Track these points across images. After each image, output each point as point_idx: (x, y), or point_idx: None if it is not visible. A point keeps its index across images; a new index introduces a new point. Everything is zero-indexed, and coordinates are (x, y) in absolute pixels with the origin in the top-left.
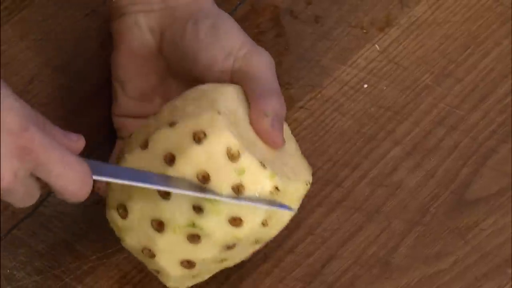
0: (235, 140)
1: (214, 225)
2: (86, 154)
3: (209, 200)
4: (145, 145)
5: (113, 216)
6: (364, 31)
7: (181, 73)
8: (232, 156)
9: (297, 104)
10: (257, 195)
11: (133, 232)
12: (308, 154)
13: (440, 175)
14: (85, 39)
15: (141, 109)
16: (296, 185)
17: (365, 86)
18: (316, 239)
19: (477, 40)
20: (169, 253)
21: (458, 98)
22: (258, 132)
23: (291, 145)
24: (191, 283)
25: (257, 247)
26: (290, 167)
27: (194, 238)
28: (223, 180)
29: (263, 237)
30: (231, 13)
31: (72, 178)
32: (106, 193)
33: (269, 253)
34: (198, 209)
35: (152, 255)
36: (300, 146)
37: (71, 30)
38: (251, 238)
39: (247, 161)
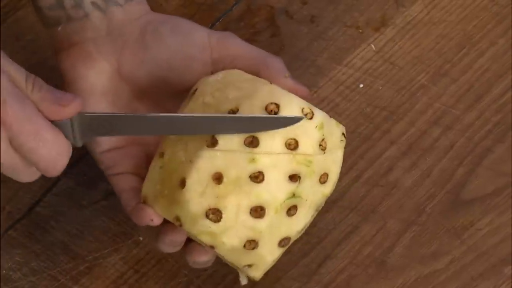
0: (302, 100)
1: (309, 188)
2: (82, 153)
3: (305, 164)
4: (214, 144)
5: (204, 225)
6: (360, 31)
7: (150, 91)
8: (307, 115)
9: None
10: (333, 146)
11: (232, 230)
12: None
13: (435, 175)
14: None
15: (122, 137)
16: (341, 127)
17: (361, 86)
18: (311, 239)
19: (472, 39)
20: (270, 237)
21: (454, 97)
22: (291, 90)
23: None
24: (265, 270)
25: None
26: None
27: (291, 210)
28: (309, 139)
29: (328, 192)
30: (227, 13)
31: (45, 155)
32: (157, 223)
33: None
34: (294, 177)
35: (255, 246)
36: None
37: None
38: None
39: (320, 115)
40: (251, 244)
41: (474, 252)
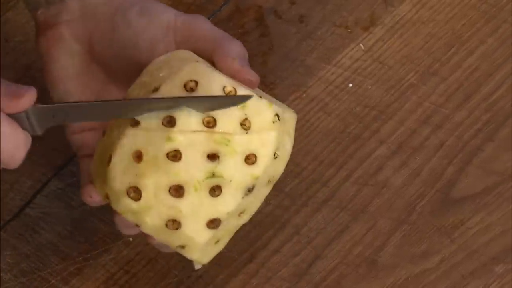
0: (227, 78)
1: (232, 169)
2: (72, 154)
3: (223, 143)
4: (136, 123)
5: (125, 202)
6: (349, 30)
7: (121, 72)
8: (230, 93)
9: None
10: (262, 127)
11: (152, 209)
12: (294, 154)
13: (425, 174)
14: None
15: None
16: (289, 113)
17: (350, 85)
18: (302, 239)
19: (461, 38)
20: (194, 217)
21: (443, 96)
22: (232, 75)
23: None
24: (213, 253)
25: (268, 190)
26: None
27: (215, 190)
28: (229, 118)
29: (274, 174)
30: (216, 13)
31: (2, 148)
32: (97, 202)
33: (255, 253)
34: (213, 156)
35: (178, 226)
36: None
37: None
38: (265, 177)
39: (245, 94)
40: (174, 224)
41: (464, 251)
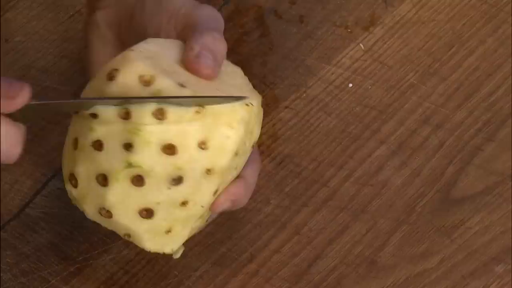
0: (148, 67)
1: (149, 159)
2: None
3: (135, 133)
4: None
5: (68, 189)
6: (349, 30)
7: None
8: (146, 82)
9: (282, 104)
10: (182, 118)
11: (87, 197)
12: (293, 154)
13: (425, 174)
14: (69, 41)
15: None
16: (232, 106)
17: (350, 85)
18: (302, 239)
19: (461, 38)
20: (122, 206)
21: (443, 96)
22: (186, 67)
23: (235, 79)
24: (173, 242)
25: (214, 180)
26: (226, 94)
27: (138, 180)
28: (142, 108)
29: (213, 166)
30: None
31: None
32: None
33: (255, 253)
34: (128, 146)
35: (110, 215)
36: (285, 146)
37: (55, 32)
38: (196, 167)
39: (163, 83)
40: (107, 212)
41: (464, 251)
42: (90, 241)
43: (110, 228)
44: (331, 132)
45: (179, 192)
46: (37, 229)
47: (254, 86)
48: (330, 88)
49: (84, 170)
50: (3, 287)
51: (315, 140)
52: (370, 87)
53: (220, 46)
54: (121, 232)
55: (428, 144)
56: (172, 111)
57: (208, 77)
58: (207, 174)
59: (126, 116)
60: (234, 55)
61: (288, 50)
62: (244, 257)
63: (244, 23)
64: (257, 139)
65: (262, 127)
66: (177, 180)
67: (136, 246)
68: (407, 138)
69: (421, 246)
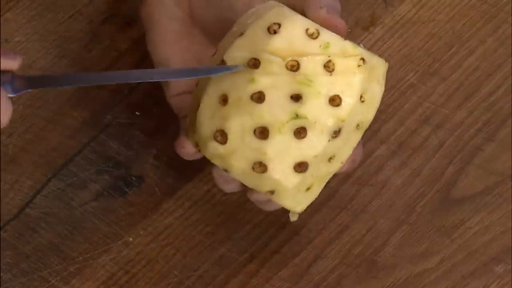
0: (310, 21)
1: (317, 110)
2: (72, 154)
3: (306, 84)
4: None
5: (213, 147)
6: (349, 30)
7: (220, 33)
8: (312, 35)
9: None
10: (347, 69)
11: (238, 152)
12: None
13: (425, 174)
14: (69, 41)
15: (193, 81)
16: (377, 60)
17: None
18: (301, 239)
19: (461, 38)
20: (280, 160)
21: (443, 96)
22: (320, 24)
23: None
24: (306, 202)
25: (358, 137)
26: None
27: (300, 132)
28: (312, 60)
29: (362, 120)
30: None
31: None
32: (190, 153)
33: (255, 253)
34: (296, 97)
35: (264, 169)
36: None
37: (55, 32)
38: (353, 121)
39: (328, 35)
40: (261, 167)
41: (464, 251)
42: (90, 241)
43: (251, 185)
44: None
45: (334, 146)
46: (37, 229)
47: None
48: None
49: (238, 125)
50: (3, 287)
51: None
52: None
53: (338, 5)
54: (265, 189)
55: (428, 144)
56: (340, 62)
57: (344, 31)
58: (357, 128)
59: (293, 68)
60: None
61: None
62: (244, 257)
63: None
64: None
65: None
66: (337, 133)
67: (136, 246)
68: (407, 138)
69: (421, 246)
